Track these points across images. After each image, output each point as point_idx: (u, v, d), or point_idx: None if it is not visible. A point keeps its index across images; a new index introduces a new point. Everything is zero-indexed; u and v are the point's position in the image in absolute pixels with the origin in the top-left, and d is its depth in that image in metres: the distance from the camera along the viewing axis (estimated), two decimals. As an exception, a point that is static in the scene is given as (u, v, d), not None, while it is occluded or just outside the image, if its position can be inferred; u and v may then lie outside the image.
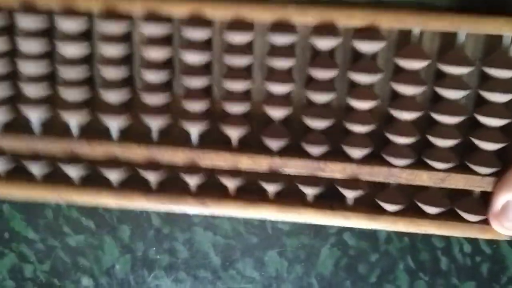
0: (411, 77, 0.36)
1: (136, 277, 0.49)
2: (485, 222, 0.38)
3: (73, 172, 0.41)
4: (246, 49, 0.38)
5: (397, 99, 0.37)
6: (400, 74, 0.37)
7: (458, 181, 0.38)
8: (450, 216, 0.39)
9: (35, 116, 0.40)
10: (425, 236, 0.45)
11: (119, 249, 0.49)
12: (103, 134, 0.40)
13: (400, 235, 0.45)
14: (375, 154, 0.39)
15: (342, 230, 0.46)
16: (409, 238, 0.45)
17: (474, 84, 0.38)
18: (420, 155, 0.38)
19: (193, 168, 0.40)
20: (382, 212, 0.39)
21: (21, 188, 0.42)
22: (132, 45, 0.39)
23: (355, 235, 0.46)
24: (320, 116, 0.38)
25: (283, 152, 0.39)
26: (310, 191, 0.40)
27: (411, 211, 0.39)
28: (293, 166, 0.39)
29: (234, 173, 0.40)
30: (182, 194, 0.41)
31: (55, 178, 0.42)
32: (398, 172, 0.38)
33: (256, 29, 0.38)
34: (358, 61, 0.37)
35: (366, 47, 0.36)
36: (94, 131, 0.40)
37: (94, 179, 0.41)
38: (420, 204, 0.39)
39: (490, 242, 0.44)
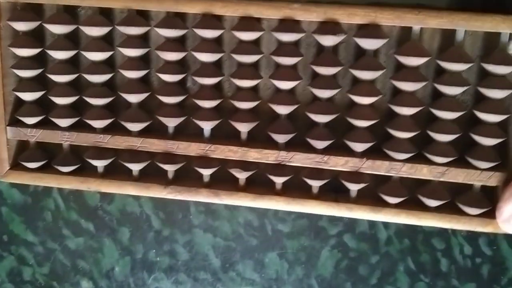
0: (411, 73, 0.38)
1: (136, 280, 0.50)
2: (485, 215, 0.39)
3: (99, 163, 0.43)
4: (254, 46, 0.40)
5: (397, 95, 0.39)
6: (401, 71, 0.39)
7: (457, 175, 0.39)
8: (450, 209, 0.40)
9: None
10: (425, 238, 0.45)
11: (118, 251, 0.49)
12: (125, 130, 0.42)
13: (400, 236, 0.46)
14: (377, 148, 0.40)
15: (342, 232, 0.46)
16: (409, 239, 0.46)
17: (474, 81, 0.39)
18: (421, 149, 0.40)
19: (206, 160, 0.42)
20: (385, 204, 0.41)
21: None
22: (149, 47, 0.42)
23: (355, 237, 0.46)
24: (324, 111, 0.40)
25: (289, 146, 0.41)
26: (315, 184, 0.41)
27: (413, 204, 0.41)
28: (298, 159, 0.40)
29: (243, 166, 0.41)
30: (197, 185, 0.43)
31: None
32: (399, 166, 0.39)
33: (264, 27, 0.40)
34: (360, 58, 0.39)
35: (367, 44, 0.38)
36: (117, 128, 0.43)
37: (116, 170, 0.44)
38: (421, 197, 0.40)
39: (490, 243, 0.45)
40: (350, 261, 0.47)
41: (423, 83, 0.38)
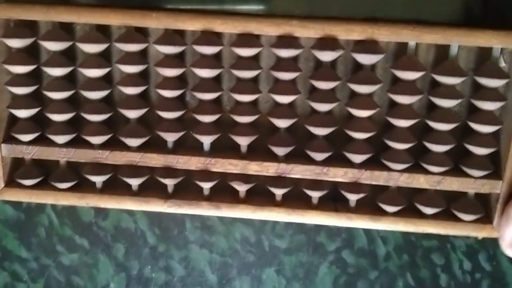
0: (407, 87, 0.39)
1: (132, 296, 0.49)
2: (479, 221, 0.41)
3: (97, 179, 0.43)
4: (253, 62, 0.40)
5: (394, 108, 0.40)
6: (397, 84, 0.40)
7: (453, 184, 0.40)
8: (446, 216, 0.41)
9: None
10: (425, 253, 0.46)
11: (113, 267, 0.49)
12: (124, 146, 0.42)
13: (399, 252, 0.46)
14: (375, 159, 0.41)
15: (340, 247, 0.47)
16: (408, 255, 0.46)
17: (467, 93, 0.41)
18: (417, 159, 0.41)
19: (206, 174, 0.42)
20: (383, 213, 0.42)
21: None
22: (148, 63, 0.42)
23: (353, 253, 0.47)
24: (323, 124, 0.40)
25: (289, 158, 0.41)
26: (314, 194, 0.42)
27: (410, 212, 0.42)
28: (298, 171, 0.41)
29: (243, 178, 0.42)
30: (197, 199, 0.43)
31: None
32: (397, 176, 0.41)
33: (263, 42, 0.40)
34: (358, 72, 0.40)
35: (365, 59, 0.39)
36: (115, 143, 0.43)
37: (114, 185, 0.44)
38: (418, 205, 0.41)
39: (490, 259, 0.46)
40: (349, 277, 0.47)
41: (419, 96, 0.39)
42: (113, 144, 0.42)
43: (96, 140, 0.42)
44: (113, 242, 0.49)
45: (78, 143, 0.42)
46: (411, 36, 0.38)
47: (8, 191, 0.44)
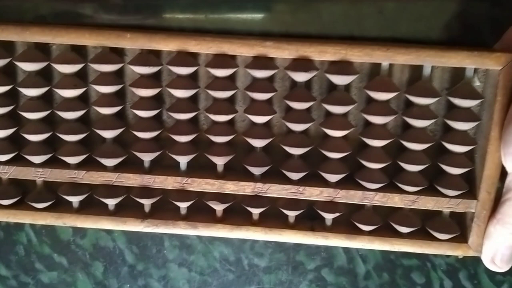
0: (381, 107, 0.39)
1: (111, 315, 0.49)
2: (455, 239, 0.41)
3: (74, 199, 0.43)
4: (229, 81, 0.40)
5: (369, 127, 0.40)
6: (371, 104, 0.40)
7: (427, 203, 0.41)
8: (422, 234, 0.42)
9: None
10: (405, 272, 0.46)
11: (92, 285, 0.49)
12: (100, 165, 0.42)
13: (379, 271, 0.46)
14: (351, 178, 0.41)
15: (320, 266, 0.47)
16: (388, 274, 0.46)
17: (442, 112, 0.41)
18: (392, 179, 0.41)
19: (183, 193, 0.42)
20: (359, 232, 0.42)
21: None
22: (124, 82, 0.42)
23: (333, 271, 0.47)
24: (299, 143, 0.41)
25: (265, 177, 0.42)
26: (291, 213, 0.42)
27: (386, 231, 0.42)
28: (274, 190, 0.41)
29: (220, 197, 0.42)
30: (174, 218, 0.43)
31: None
32: (371, 195, 0.41)
33: (239, 62, 0.41)
34: (332, 92, 0.40)
35: (338, 80, 0.39)
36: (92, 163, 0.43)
37: (92, 205, 0.44)
38: (393, 224, 0.41)
39: (471, 277, 0.46)
40: (329, 296, 0.47)
41: (393, 116, 0.39)
42: (90, 164, 0.42)
43: (72, 160, 0.42)
44: (92, 260, 0.48)
45: (54, 163, 0.42)
46: (384, 57, 0.38)
47: (-16, 210, 0.44)
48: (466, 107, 0.39)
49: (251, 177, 0.42)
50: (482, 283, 0.46)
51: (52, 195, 0.44)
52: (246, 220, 0.43)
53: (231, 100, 0.42)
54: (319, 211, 0.42)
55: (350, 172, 0.41)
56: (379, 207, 0.41)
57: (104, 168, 0.42)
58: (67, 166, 0.42)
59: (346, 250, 0.47)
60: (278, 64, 0.40)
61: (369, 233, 0.42)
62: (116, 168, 0.42)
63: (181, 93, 0.40)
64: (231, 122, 0.42)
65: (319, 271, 0.47)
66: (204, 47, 0.38)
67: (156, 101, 0.42)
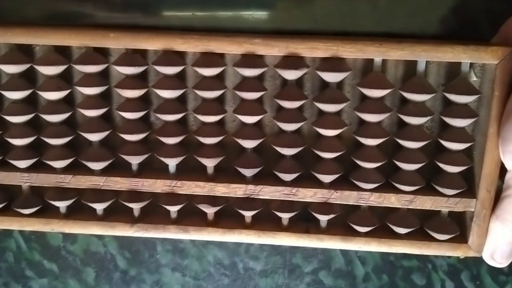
0: (375, 104, 0.38)
1: (103, 321, 0.48)
2: (454, 240, 0.40)
3: (61, 204, 0.42)
4: (217, 81, 0.39)
5: (363, 126, 0.39)
6: (365, 102, 0.39)
7: (425, 202, 0.39)
8: (421, 235, 0.40)
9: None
10: (405, 274, 0.45)
11: (84, 292, 0.48)
12: (87, 169, 0.41)
13: (379, 272, 0.45)
14: (345, 178, 0.40)
15: (317, 269, 0.46)
16: (388, 275, 0.45)
17: (439, 108, 0.40)
18: (388, 178, 0.40)
19: (172, 197, 0.41)
20: (355, 233, 0.41)
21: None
22: (109, 83, 0.41)
23: (331, 274, 0.46)
24: (291, 143, 0.39)
25: (257, 179, 0.40)
26: (284, 216, 0.41)
27: (383, 232, 0.41)
28: (266, 192, 0.40)
29: (211, 200, 0.41)
30: (165, 222, 0.42)
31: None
32: (367, 196, 0.39)
33: (227, 61, 0.39)
34: (324, 90, 0.39)
35: (330, 77, 0.38)
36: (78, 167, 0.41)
37: (80, 210, 0.42)
38: (390, 225, 0.40)
39: (473, 278, 0.45)
40: (327, 300, 0.46)
41: (387, 114, 0.38)
42: (76, 168, 0.41)
43: (59, 164, 0.41)
44: (83, 266, 0.47)
45: (40, 167, 0.41)
46: (377, 53, 0.36)
47: (-30, 218, 0.42)
48: (463, 103, 0.38)
49: (242, 179, 0.40)
50: (485, 284, 0.45)
51: (39, 200, 0.42)
52: (238, 223, 0.41)
53: (220, 100, 0.41)
54: (313, 213, 0.40)
55: (344, 172, 0.40)
56: (376, 207, 0.40)
57: (91, 172, 0.41)
58: (53, 170, 0.41)
59: (344, 252, 0.45)
60: (268, 62, 0.39)
61: (366, 234, 0.41)
62: (104, 172, 0.41)
63: (168, 94, 0.39)
64: (220, 123, 0.41)
65: (317, 274, 0.46)
66: (191, 46, 0.37)
67: (143, 102, 0.40)
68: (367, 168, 0.39)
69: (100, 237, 0.46)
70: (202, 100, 0.40)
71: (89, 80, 0.39)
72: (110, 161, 0.41)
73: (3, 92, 0.40)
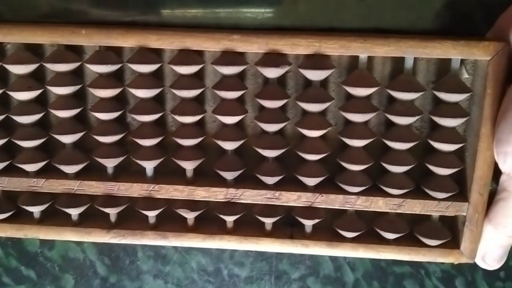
0: (361, 103, 0.36)
1: (83, 329, 0.47)
2: (445, 245, 0.38)
3: (34, 209, 0.40)
4: (196, 79, 0.37)
5: (348, 126, 0.37)
6: (350, 101, 0.37)
7: (414, 206, 0.37)
8: (410, 241, 0.39)
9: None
10: (397, 280, 0.44)
11: (62, 299, 0.46)
12: (61, 173, 0.39)
13: (369, 279, 0.44)
14: (331, 181, 0.38)
15: (305, 275, 0.44)
16: (379, 282, 0.44)
17: (428, 106, 0.38)
18: (375, 181, 0.38)
19: (150, 201, 0.39)
20: (342, 239, 0.39)
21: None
22: (83, 83, 0.39)
23: (319, 281, 0.44)
24: (273, 145, 0.38)
25: (238, 182, 0.39)
26: (267, 221, 0.39)
27: (371, 237, 0.39)
28: (248, 196, 0.38)
29: (190, 205, 0.39)
30: (143, 228, 0.40)
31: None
32: (353, 199, 0.38)
33: (207, 58, 0.38)
34: (308, 88, 0.37)
35: (313, 75, 0.36)
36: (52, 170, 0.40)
37: (55, 215, 0.41)
38: (378, 230, 0.38)
39: (468, 285, 0.43)
40: (316, 306, 0.44)
41: (374, 114, 0.36)
42: (50, 172, 0.39)
43: (31, 167, 0.39)
44: (61, 273, 0.46)
45: (12, 171, 0.40)
46: (362, 49, 0.35)
47: None
48: (454, 102, 0.36)
49: (223, 183, 0.39)
50: (479, 290, 0.43)
51: (11, 205, 0.41)
52: (219, 228, 0.40)
53: (200, 99, 0.39)
54: (297, 218, 0.39)
55: (329, 174, 0.38)
56: (363, 212, 0.38)
57: (64, 176, 0.39)
58: (25, 174, 0.39)
59: (333, 258, 0.44)
60: (249, 59, 0.37)
61: (353, 240, 0.39)
62: (78, 176, 0.39)
63: (144, 93, 0.37)
64: (200, 124, 0.39)
65: (304, 280, 0.44)
66: (166, 42, 0.35)
67: (119, 103, 0.39)
68: (353, 171, 0.37)
69: (78, 242, 0.45)
70: (181, 100, 0.38)
71: (61, 79, 0.37)
72: (85, 164, 0.39)
73: (-28, 93, 0.38)
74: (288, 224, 0.40)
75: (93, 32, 0.35)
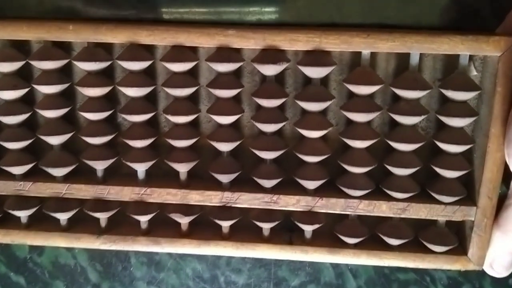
0: (363, 102, 0.35)
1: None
2: (452, 252, 0.37)
3: (21, 213, 0.39)
4: (189, 77, 0.35)
5: (350, 126, 0.36)
6: (352, 99, 0.35)
7: (420, 211, 0.36)
8: (415, 247, 0.37)
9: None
10: (401, 287, 0.42)
11: (53, 307, 0.45)
12: (49, 176, 0.38)
13: (372, 286, 0.43)
14: (331, 185, 0.37)
15: (305, 282, 0.43)
16: None
17: (435, 107, 0.36)
18: (379, 184, 0.37)
19: (142, 206, 0.38)
20: (343, 245, 0.38)
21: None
22: (72, 81, 0.38)
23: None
24: (271, 146, 0.36)
25: (234, 186, 0.37)
26: (265, 226, 0.38)
27: (374, 243, 0.38)
28: (245, 200, 0.37)
29: (184, 209, 0.38)
30: (134, 233, 0.39)
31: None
32: (355, 203, 0.36)
33: (201, 55, 0.36)
34: (307, 86, 0.35)
35: (312, 72, 0.34)
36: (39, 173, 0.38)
37: (43, 220, 0.39)
38: (382, 236, 0.37)
39: None
40: (317, 315, 0.43)
41: (376, 113, 0.34)
42: (37, 175, 0.38)
43: (17, 170, 0.38)
44: (52, 280, 0.45)
45: (-2, 174, 0.38)
46: (365, 45, 0.33)
47: None
48: (462, 100, 0.34)
49: (218, 186, 0.37)
50: (485, 296, 0.42)
51: (-2, 209, 0.39)
52: (215, 234, 0.39)
53: (194, 98, 0.37)
54: (296, 223, 0.37)
55: (330, 177, 0.37)
56: (365, 216, 0.37)
57: (52, 179, 0.38)
58: (12, 177, 0.38)
59: (334, 264, 0.43)
60: (246, 56, 0.36)
61: (355, 246, 0.38)
62: (66, 179, 0.38)
63: (135, 92, 0.35)
64: (194, 124, 0.37)
65: (305, 287, 0.43)
66: (158, 38, 0.34)
67: (109, 102, 0.37)
68: (355, 173, 0.36)
69: (69, 248, 0.44)
70: (173, 99, 0.36)
71: (48, 77, 0.36)
72: (73, 166, 0.38)
73: (-45, 92, 0.36)
74: (287, 230, 0.39)
75: (81, 28, 0.34)
